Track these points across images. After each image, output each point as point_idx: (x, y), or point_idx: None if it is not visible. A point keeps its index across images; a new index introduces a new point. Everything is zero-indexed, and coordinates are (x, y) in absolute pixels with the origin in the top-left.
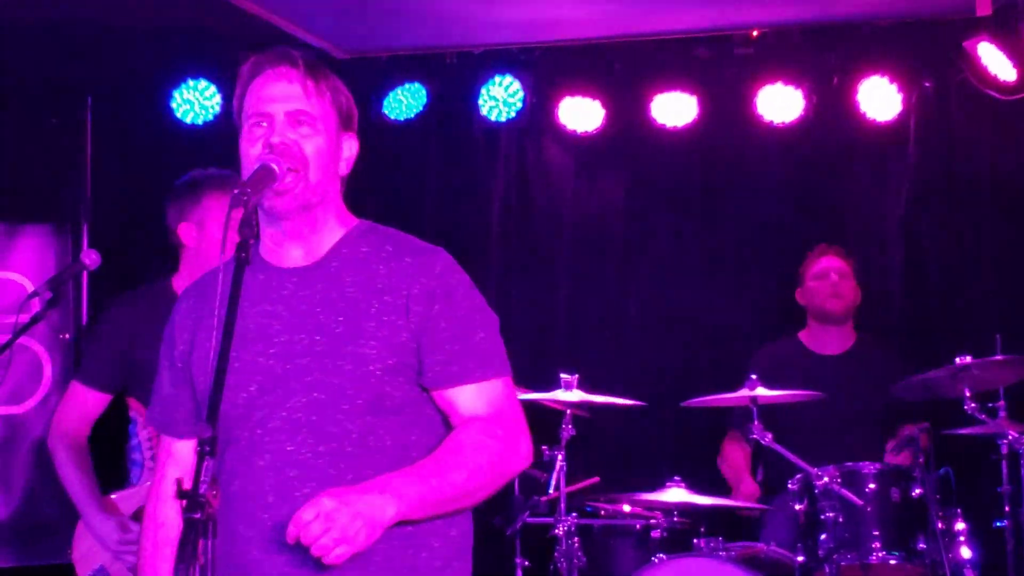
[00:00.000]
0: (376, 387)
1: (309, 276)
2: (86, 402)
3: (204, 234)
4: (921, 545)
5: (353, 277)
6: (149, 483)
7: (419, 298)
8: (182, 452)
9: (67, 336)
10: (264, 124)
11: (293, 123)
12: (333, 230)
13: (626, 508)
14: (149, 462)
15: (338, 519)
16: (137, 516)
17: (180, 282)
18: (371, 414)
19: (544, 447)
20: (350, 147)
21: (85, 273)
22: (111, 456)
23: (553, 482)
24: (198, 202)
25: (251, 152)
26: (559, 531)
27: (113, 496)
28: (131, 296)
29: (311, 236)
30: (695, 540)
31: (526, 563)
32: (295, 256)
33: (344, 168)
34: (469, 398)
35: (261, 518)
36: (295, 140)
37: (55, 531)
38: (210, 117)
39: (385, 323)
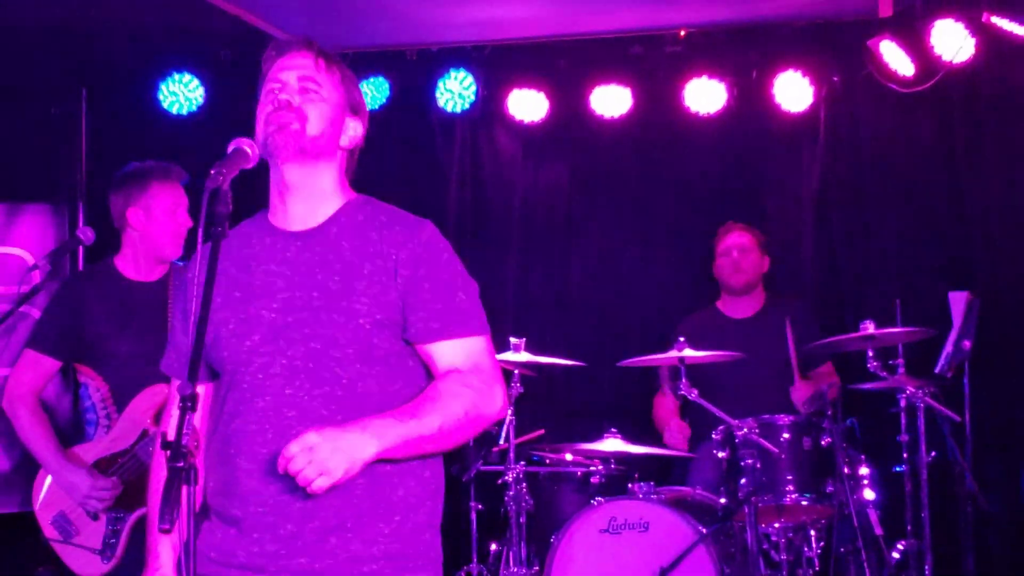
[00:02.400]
0: (365, 339)
1: (310, 240)
2: (39, 367)
3: (151, 217)
4: (829, 488)
5: (349, 242)
6: (105, 437)
7: (406, 262)
8: None
9: None
10: (277, 87)
11: (302, 88)
12: (334, 199)
13: (568, 457)
14: (104, 420)
15: (319, 452)
16: (97, 465)
17: (122, 261)
18: (360, 362)
19: None
20: (355, 127)
21: (81, 248)
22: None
23: (503, 434)
24: (145, 189)
25: (262, 114)
26: (509, 478)
27: (75, 449)
28: (79, 275)
29: (311, 198)
30: (630, 485)
31: (479, 507)
32: (298, 219)
33: (347, 142)
34: (449, 352)
35: (260, 452)
36: (300, 101)
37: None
38: (194, 108)
39: (375, 283)
